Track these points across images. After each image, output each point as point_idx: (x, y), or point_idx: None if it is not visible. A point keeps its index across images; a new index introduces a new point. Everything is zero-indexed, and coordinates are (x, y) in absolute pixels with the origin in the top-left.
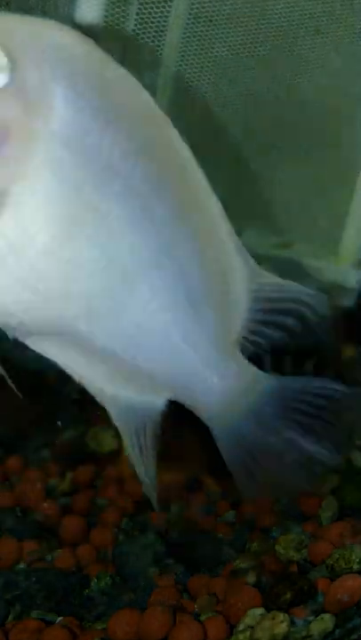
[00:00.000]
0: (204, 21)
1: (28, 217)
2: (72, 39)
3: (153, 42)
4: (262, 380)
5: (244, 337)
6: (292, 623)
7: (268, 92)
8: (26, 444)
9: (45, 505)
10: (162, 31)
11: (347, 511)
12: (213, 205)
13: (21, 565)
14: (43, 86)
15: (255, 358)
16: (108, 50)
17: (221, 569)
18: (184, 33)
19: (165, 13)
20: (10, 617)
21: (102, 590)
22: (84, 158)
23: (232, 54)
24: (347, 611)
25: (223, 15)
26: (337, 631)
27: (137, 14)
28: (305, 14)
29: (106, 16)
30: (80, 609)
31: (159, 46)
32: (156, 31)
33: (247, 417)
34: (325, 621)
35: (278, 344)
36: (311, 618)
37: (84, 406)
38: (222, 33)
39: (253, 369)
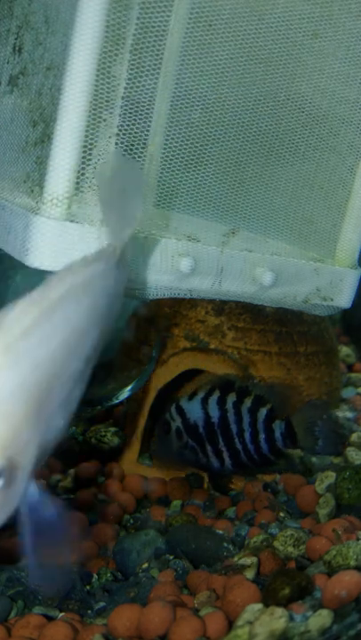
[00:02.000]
0: (203, 26)
1: None
2: None
3: (153, 46)
4: None
5: None
6: (291, 619)
7: (266, 96)
8: None
9: None
10: (162, 35)
11: (344, 508)
12: None
13: (24, 562)
14: None
15: None
16: None
17: (221, 565)
18: (184, 37)
19: (166, 18)
20: (12, 613)
21: (103, 586)
22: None
23: (231, 58)
24: (345, 607)
25: (223, 19)
26: (335, 627)
27: (138, 19)
28: (303, 18)
29: (107, 20)
30: (81, 604)
31: (160, 50)
32: (156, 35)
33: None
34: (323, 617)
35: None
36: (310, 613)
37: (87, 404)
38: (222, 37)
39: None
